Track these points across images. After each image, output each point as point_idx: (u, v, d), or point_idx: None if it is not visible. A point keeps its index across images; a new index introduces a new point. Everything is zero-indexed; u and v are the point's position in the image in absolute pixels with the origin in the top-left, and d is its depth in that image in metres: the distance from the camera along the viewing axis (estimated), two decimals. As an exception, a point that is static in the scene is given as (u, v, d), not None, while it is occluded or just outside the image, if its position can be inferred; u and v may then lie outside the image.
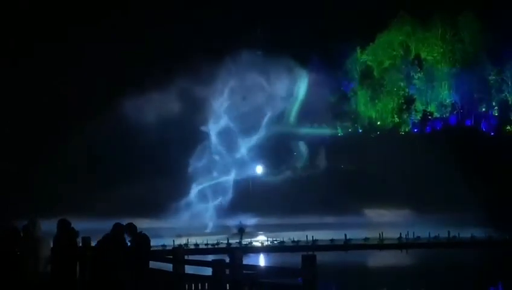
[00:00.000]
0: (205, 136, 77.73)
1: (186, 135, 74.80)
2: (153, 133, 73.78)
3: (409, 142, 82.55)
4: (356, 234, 56.43)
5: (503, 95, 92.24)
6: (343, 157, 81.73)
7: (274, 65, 79.54)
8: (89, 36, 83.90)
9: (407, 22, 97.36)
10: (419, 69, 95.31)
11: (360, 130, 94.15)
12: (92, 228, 21.27)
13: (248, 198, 73.85)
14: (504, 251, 48.94)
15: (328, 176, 77.42)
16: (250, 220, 69.51)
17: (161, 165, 75.33)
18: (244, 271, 11.71)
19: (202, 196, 75.13)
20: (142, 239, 13.82)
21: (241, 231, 63.65)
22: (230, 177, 76.95)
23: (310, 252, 14.01)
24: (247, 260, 25.51)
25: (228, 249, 49.61)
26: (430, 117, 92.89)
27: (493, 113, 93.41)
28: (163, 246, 44.56)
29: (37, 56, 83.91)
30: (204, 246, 55.03)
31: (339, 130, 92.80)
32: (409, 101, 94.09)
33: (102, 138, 74.07)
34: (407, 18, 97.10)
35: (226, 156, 77.42)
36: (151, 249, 14.85)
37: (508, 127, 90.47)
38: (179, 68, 75.40)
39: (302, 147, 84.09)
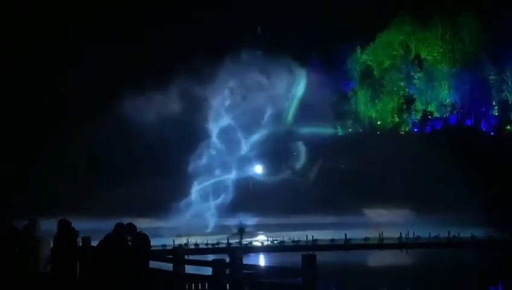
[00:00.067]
0: (205, 135, 77.76)
1: (186, 135, 74.82)
2: (153, 133, 73.78)
3: (409, 142, 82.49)
4: (356, 234, 56.45)
5: (503, 94, 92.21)
6: (343, 157, 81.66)
7: (274, 65, 79.57)
8: (89, 36, 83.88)
9: (407, 22, 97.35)
10: (419, 69, 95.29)
11: (360, 130, 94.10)
12: (92, 227, 21.28)
13: (248, 198, 73.85)
14: (504, 250, 48.95)
15: (328, 175, 77.40)
16: (250, 220, 69.53)
17: (161, 165, 75.34)
18: (244, 271, 11.71)
19: (202, 196, 75.14)
20: (142, 239, 13.83)
21: (241, 230, 63.67)
22: (230, 177, 76.98)
23: (310, 252, 13.99)
24: (247, 260, 25.52)
25: (228, 249, 49.66)
26: (430, 117, 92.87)
27: (493, 113, 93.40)
28: (163, 245, 44.60)
29: (37, 56, 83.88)
30: (204, 246, 55.08)
31: (339, 130, 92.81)
32: (409, 101, 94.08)
33: (102, 138, 74.06)
34: (407, 18, 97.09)
35: (225, 155, 77.46)
36: (151, 248, 14.86)
37: (508, 127, 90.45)
38: (179, 68, 75.41)
39: (302, 146, 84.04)
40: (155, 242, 26.95)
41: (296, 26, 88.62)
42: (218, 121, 78.64)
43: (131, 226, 13.86)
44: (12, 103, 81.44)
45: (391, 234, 57.04)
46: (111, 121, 72.63)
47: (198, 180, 75.55)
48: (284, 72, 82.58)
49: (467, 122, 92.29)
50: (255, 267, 13.56)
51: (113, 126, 73.15)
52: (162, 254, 19.40)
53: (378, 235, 56.73)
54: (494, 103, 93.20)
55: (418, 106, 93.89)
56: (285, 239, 57.24)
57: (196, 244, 55.50)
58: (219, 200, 74.94)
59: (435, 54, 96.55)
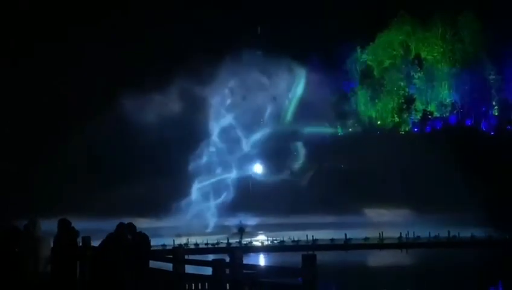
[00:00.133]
0: (205, 135, 77.81)
1: (186, 135, 74.84)
2: (153, 133, 73.79)
3: (409, 142, 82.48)
4: (356, 234, 56.53)
5: (503, 94, 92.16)
6: (343, 156, 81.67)
7: (274, 65, 79.63)
8: (89, 36, 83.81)
9: (407, 22, 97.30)
10: (419, 69, 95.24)
11: (360, 130, 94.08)
12: (92, 227, 21.30)
13: (248, 197, 73.87)
14: (504, 250, 48.97)
15: (328, 175, 77.40)
16: (250, 220, 69.55)
17: (161, 165, 75.33)
18: (244, 271, 11.72)
19: (202, 196, 75.17)
20: (142, 239, 13.85)
21: (241, 230, 63.75)
22: (230, 177, 77.01)
23: (310, 252, 14.00)
24: (247, 260, 25.53)
25: (228, 249, 49.73)
26: (430, 117, 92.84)
27: (493, 113, 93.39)
28: (163, 245, 44.65)
29: (37, 56, 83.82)
30: (204, 246, 55.12)
31: (339, 130, 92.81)
32: (409, 100, 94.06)
33: (102, 138, 74.03)
34: (407, 18, 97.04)
35: (225, 155, 77.50)
36: (151, 248, 14.87)
37: (508, 127, 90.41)
38: (179, 68, 75.41)
39: (302, 146, 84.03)
40: (155, 242, 26.97)
41: (296, 26, 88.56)
42: (219, 121, 78.71)
43: (131, 226, 13.89)
44: (12, 103, 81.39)
45: (391, 233, 57.09)
46: (111, 121, 72.60)
47: (198, 180, 75.59)
48: (284, 72, 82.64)
49: (467, 122, 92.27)
50: (255, 267, 13.57)
51: (113, 126, 73.12)
52: (162, 253, 19.41)
53: (378, 235, 56.78)
54: (494, 103, 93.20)
55: (418, 105, 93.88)
56: (285, 239, 57.30)
57: (196, 244, 55.57)
58: (219, 200, 74.98)
59: (435, 54, 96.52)
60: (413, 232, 56.64)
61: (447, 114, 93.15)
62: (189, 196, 74.44)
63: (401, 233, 56.66)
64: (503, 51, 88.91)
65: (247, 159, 79.53)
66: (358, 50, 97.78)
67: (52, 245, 13.17)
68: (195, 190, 75.16)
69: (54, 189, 70.55)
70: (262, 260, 48.27)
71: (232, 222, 68.28)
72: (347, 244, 54.63)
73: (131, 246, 13.49)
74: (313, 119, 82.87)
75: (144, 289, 12.90)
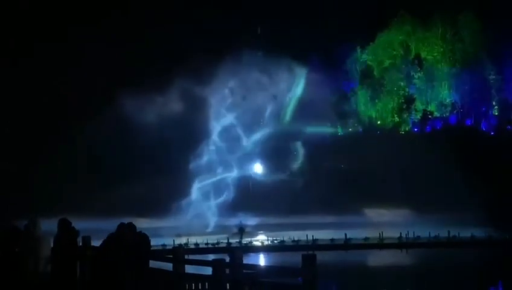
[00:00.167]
0: (205, 135, 77.84)
1: (186, 135, 74.84)
2: (153, 133, 73.79)
3: (409, 142, 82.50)
4: (356, 234, 56.54)
5: (503, 94, 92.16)
6: (343, 156, 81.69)
7: (274, 65, 79.65)
8: (89, 36, 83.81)
9: (407, 22, 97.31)
10: (419, 69, 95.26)
11: (360, 130, 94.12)
12: (92, 227, 21.28)
13: (248, 197, 73.88)
14: (504, 250, 48.98)
15: (328, 175, 77.39)
16: (250, 220, 69.55)
17: (161, 164, 75.34)
18: (244, 271, 11.72)
19: (202, 195, 75.19)
20: (142, 239, 13.85)
21: (241, 230, 63.76)
22: (230, 177, 77.04)
23: (310, 252, 14.00)
24: (248, 260, 25.54)
25: (228, 249, 49.71)
26: (430, 117, 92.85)
27: (493, 112, 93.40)
28: (164, 245, 44.65)
29: (37, 56, 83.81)
30: (204, 246, 55.13)
31: (339, 130, 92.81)
32: (409, 100, 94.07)
33: (102, 138, 74.05)
34: (407, 18, 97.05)
35: (225, 155, 77.53)
36: (151, 248, 14.87)
37: (508, 127, 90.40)
38: (179, 68, 75.41)
39: (302, 146, 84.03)
40: (155, 242, 26.97)
41: (296, 26, 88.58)
42: (219, 121, 78.76)
43: (131, 226, 13.89)
44: (12, 103, 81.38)
45: (391, 233, 57.11)
46: (111, 121, 72.62)
47: (198, 180, 75.61)
48: (284, 72, 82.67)
49: (467, 122, 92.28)
50: (255, 267, 13.57)
51: (113, 126, 73.15)
52: (162, 253, 19.42)
53: (378, 235, 56.79)
54: (494, 103, 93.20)
55: (418, 105, 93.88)
56: (285, 239, 57.32)
57: (196, 244, 55.57)
58: (219, 200, 74.99)
59: (435, 54, 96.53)
60: (413, 232, 56.65)
61: (447, 114, 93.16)
62: (189, 196, 74.47)
63: (401, 233, 56.67)
64: (503, 51, 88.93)
65: (247, 158, 79.56)
66: (358, 50, 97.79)
67: (52, 245, 13.17)
68: (195, 189, 75.20)
69: (54, 189, 70.56)
70: (262, 260, 48.27)
71: (232, 221, 68.28)
72: (347, 244, 54.65)
73: (131, 246, 13.49)
74: (313, 119, 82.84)
75: (144, 289, 12.90)
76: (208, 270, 11.55)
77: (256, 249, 54.93)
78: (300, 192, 73.59)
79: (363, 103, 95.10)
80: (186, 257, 14.98)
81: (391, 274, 39.58)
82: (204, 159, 76.91)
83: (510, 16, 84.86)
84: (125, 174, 74.10)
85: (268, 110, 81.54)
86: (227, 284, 11.06)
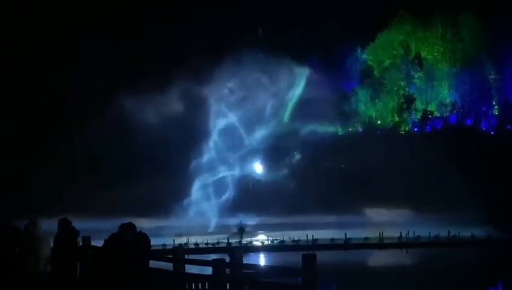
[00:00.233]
0: (205, 135, 77.87)
1: (186, 135, 74.85)
2: (153, 133, 73.78)
3: (409, 142, 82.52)
4: (356, 233, 56.59)
5: (503, 94, 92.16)
6: (343, 156, 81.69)
7: (274, 65, 79.63)
8: (89, 36, 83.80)
9: (408, 22, 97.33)
10: (419, 69, 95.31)
11: (361, 130, 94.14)
12: (92, 227, 21.29)
13: (248, 197, 73.88)
14: (504, 250, 49.00)
15: (328, 175, 77.39)
16: (250, 220, 69.57)
17: (161, 164, 75.35)
18: (244, 270, 11.71)
19: (202, 195, 75.19)
20: (142, 238, 13.83)
21: (242, 230, 63.77)
22: (230, 177, 77.04)
23: (310, 252, 14.00)
24: (248, 260, 25.54)
25: (228, 249, 49.69)
26: (430, 116, 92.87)
27: (493, 112, 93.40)
28: (164, 245, 44.67)
29: (37, 56, 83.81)
30: (204, 246, 55.15)
31: (339, 130, 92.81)
32: (409, 100, 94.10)
33: (102, 138, 74.05)
34: (408, 17, 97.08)
35: (225, 155, 77.54)
36: (151, 248, 14.86)
37: (508, 127, 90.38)
38: (179, 68, 75.40)
39: (302, 146, 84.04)
40: (155, 242, 26.95)
41: (296, 26, 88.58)
42: (219, 121, 78.77)
43: (131, 226, 13.88)
44: (12, 103, 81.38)
45: (391, 233, 57.16)
46: (111, 121, 72.64)
47: (197, 180, 75.63)
48: (285, 71, 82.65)
49: (467, 121, 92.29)
50: (255, 266, 13.56)
51: (113, 126, 73.17)
52: (162, 253, 19.42)
53: (378, 234, 56.82)
54: (494, 103, 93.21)
55: (418, 105, 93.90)
56: (285, 239, 57.33)
57: (196, 244, 55.60)
58: (219, 200, 75.00)
59: (435, 54, 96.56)
60: (413, 232, 56.68)
61: (447, 114, 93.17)
62: (189, 196, 74.48)
63: (401, 233, 56.72)
64: (503, 51, 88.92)
65: (248, 158, 79.57)
66: (359, 50, 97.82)
67: (52, 245, 13.17)
68: (195, 189, 75.20)
69: (54, 189, 70.57)
70: (262, 260, 48.28)
71: (232, 221, 68.30)
72: (347, 244, 54.69)
73: (131, 245, 13.48)
74: (313, 119, 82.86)
75: (144, 289, 12.90)
76: (208, 270, 11.54)
77: (256, 249, 54.96)
78: (300, 192, 73.59)
79: (363, 103, 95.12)
80: (186, 256, 14.98)
81: (391, 274, 39.58)
82: (204, 159, 76.93)
83: (510, 16, 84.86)
84: (125, 174, 74.10)
85: (269, 110, 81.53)
86: (227, 284, 11.06)
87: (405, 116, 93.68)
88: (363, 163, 77.62)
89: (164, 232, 55.81)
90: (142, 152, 77.89)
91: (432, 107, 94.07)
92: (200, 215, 72.26)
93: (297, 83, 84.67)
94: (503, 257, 45.84)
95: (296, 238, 56.55)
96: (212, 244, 56.15)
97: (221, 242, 56.88)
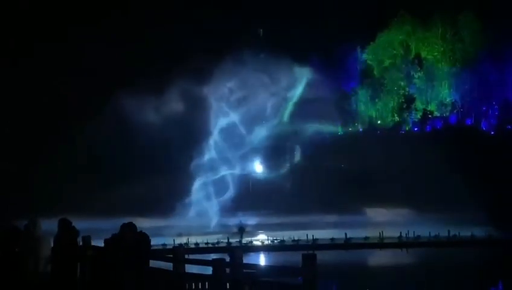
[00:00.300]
0: (205, 135, 77.88)
1: (186, 134, 74.85)
2: (153, 133, 73.78)
3: (409, 142, 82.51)
4: (356, 233, 56.60)
5: (503, 94, 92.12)
6: (343, 156, 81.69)
7: (274, 64, 79.63)
8: (89, 36, 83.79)
9: (408, 22, 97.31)
10: (419, 68, 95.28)
11: (361, 129, 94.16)
12: (92, 227, 21.29)
13: (248, 196, 73.89)
14: (504, 250, 49.00)
15: (328, 174, 77.39)
16: (250, 219, 69.56)
17: (161, 164, 75.35)
18: (244, 270, 11.72)
19: (202, 195, 75.19)
20: (142, 238, 13.85)
21: (242, 230, 63.77)
22: (230, 176, 77.04)
23: (310, 251, 14.00)
24: (248, 259, 25.53)
25: (228, 248, 49.72)
26: (430, 116, 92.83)
27: (493, 112, 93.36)
28: (164, 245, 44.69)
29: (37, 56, 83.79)
30: (204, 245, 55.15)
31: (339, 129, 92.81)
32: (409, 100, 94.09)
33: (102, 138, 74.04)
34: (408, 17, 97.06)
35: (226, 154, 77.56)
36: (152, 248, 14.87)
37: (508, 127, 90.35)
38: (178, 68, 75.40)
39: (302, 145, 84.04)
40: (155, 241, 26.95)
41: (296, 26, 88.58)
42: (219, 121, 78.79)
43: (132, 226, 13.90)
44: (12, 103, 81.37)
45: (391, 233, 57.15)
46: (111, 121, 72.64)
47: (197, 179, 75.63)
48: (285, 71, 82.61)
49: (467, 121, 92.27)
50: (255, 266, 13.58)
51: (113, 126, 73.16)
52: (162, 253, 19.44)
53: (378, 234, 56.80)
54: (494, 102, 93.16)
55: (418, 105, 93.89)
56: (285, 238, 57.32)
57: (196, 244, 55.60)
58: (219, 199, 75.00)
59: (435, 54, 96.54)
60: (414, 232, 56.68)
61: (447, 113, 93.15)
62: (189, 196, 74.47)
63: (401, 232, 56.71)
64: (503, 50, 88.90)
65: (248, 158, 79.58)
66: (359, 50, 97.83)
67: (52, 245, 13.17)
68: (195, 189, 75.19)
69: (54, 189, 70.54)
70: (262, 260, 48.29)
71: (232, 221, 68.30)
72: (347, 244, 54.69)
73: (131, 245, 13.49)
74: (313, 119, 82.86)
75: (144, 289, 12.90)
76: (208, 270, 11.55)
77: (256, 249, 54.96)
78: (300, 191, 73.57)
79: (363, 103, 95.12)
80: (186, 256, 14.99)
81: (391, 274, 39.59)
82: (205, 158, 76.93)
83: (510, 16, 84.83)
84: (125, 174, 74.06)
85: (269, 109, 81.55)
86: (227, 284, 11.06)
87: (405, 116, 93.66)
88: (363, 163, 77.62)
89: (164, 232, 55.79)
90: (142, 152, 77.86)
91: (432, 107, 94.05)
92: (200, 215, 72.25)
93: (298, 82, 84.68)
94: (503, 257, 45.84)
95: (296, 238, 56.53)
96: (212, 244, 56.15)
97: (221, 242, 56.87)
